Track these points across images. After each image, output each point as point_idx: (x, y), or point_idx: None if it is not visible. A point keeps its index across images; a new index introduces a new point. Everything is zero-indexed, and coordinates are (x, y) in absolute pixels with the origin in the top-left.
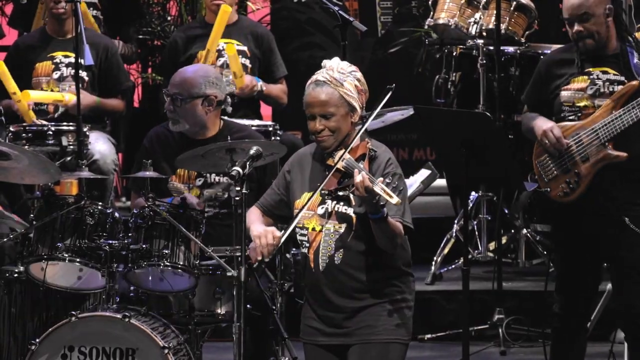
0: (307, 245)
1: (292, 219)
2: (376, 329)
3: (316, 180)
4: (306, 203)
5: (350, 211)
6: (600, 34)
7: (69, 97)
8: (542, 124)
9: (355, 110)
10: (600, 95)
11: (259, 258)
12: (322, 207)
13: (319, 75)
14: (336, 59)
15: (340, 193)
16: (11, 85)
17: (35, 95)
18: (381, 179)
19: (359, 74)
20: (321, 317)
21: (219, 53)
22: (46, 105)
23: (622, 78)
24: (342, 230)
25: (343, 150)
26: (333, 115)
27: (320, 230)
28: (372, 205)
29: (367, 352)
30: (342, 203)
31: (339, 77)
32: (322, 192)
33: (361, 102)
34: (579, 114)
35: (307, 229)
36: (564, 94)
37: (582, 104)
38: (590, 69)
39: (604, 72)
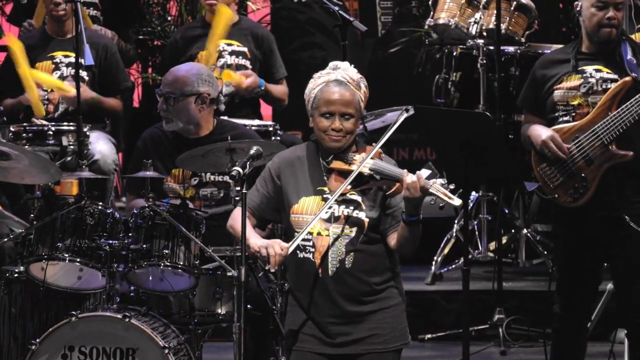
0: (312, 250)
1: (304, 228)
2: (385, 337)
3: (315, 184)
4: (321, 209)
5: (362, 215)
6: (621, 26)
7: (69, 88)
8: (540, 132)
9: (361, 115)
10: (593, 92)
11: (267, 268)
12: (326, 212)
13: (337, 75)
14: (346, 63)
15: (353, 197)
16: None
17: (40, 75)
18: (434, 180)
19: (365, 81)
20: (323, 324)
21: (219, 54)
22: (46, 105)
23: (616, 76)
24: (352, 234)
25: (363, 154)
26: (352, 116)
27: (327, 235)
28: (416, 207)
29: None
30: (351, 207)
31: (357, 79)
32: (326, 195)
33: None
34: (573, 113)
35: (311, 233)
36: (557, 93)
37: (575, 102)
38: (584, 68)
39: (598, 70)
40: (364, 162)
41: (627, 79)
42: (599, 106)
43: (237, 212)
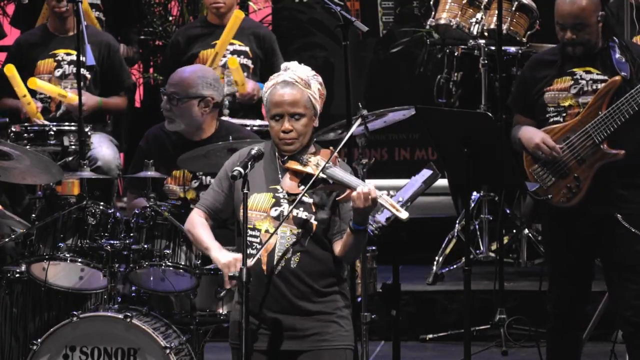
0: (259, 247)
1: (263, 244)
2: (330, 335)
3: (269, 182)
4: (286, 216)
5: (312, 217)
6: (591, 41)
7: (72, 96)
8: (532, 135)
9: (317, 114)
10: (584, 93)
11: (228, 287)
12: (276, 210)
13: (285, 77)
14: (295, 63)
15: (304, 199)
16: (21, 89)
17: (41, 84)
18: (384, 192)
19: (320, 79)
20: (265, 320)
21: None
22: (48, 103)
23: (606, 77)
24: (300, 235)
25: (318, 157)
26: (302, 116)
27: (275, 232)
28: (365, 217)
29: (320, 358)
30: (301, 208)
31: (305, 78)
32: (278, 194)
33: (320, 107)
34: (564, 114)
35: (259, 230)
36: (547, 94)
37: (566, 103)
38: (574, 69)
39: (587, 72)
40: (322, 167)
41: (616, 78)
42: (589, 106)
43: (193, 218)
